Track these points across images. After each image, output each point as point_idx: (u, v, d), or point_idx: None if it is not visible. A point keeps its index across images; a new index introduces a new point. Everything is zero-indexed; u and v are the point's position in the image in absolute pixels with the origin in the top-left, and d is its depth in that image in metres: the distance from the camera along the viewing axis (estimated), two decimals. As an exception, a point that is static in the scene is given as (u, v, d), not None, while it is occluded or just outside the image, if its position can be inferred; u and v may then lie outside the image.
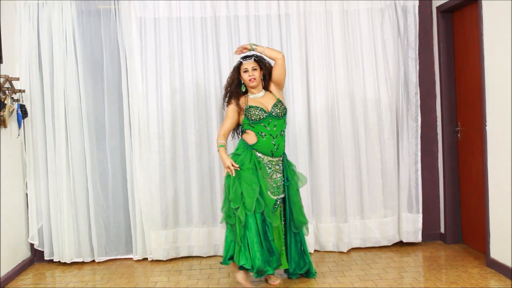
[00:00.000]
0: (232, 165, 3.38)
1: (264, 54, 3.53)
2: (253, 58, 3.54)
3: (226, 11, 4.34)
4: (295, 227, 3.57)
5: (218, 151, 3.48)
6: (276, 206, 3.51)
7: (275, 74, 3.54)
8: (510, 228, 3.49)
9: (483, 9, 3.71)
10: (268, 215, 3.39)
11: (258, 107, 3.46)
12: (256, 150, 3.47)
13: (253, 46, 3.53)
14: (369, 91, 4.39)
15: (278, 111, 3.48)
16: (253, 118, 3.45)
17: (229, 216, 3.43)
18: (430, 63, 4.57)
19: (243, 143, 3.51)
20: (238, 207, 3.35)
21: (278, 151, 3.49)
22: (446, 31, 4.44)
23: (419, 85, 4.46)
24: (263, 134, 3.46)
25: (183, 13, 4.32)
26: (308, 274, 3.70)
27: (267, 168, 3.47)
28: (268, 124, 3.46)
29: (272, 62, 3.63)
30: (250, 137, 3.50)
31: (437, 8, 4.47)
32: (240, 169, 3.39)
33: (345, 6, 4.38)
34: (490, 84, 3.68)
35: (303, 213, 3.63)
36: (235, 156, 3.47)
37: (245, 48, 3.55)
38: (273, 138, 3.46)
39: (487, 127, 3.74)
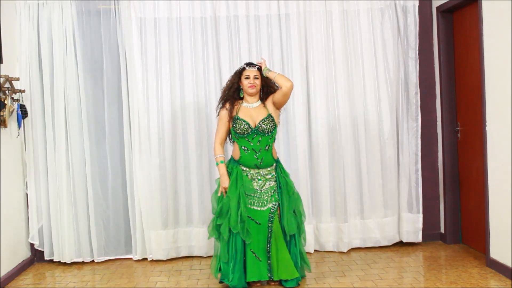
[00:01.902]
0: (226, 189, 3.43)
1: (274, 80, 3.47)
2: (256, 67, 3.54)
3: (226, 11, 4.34)
4: (286, 232, 3.49)
5: (217, 166, 3.50)
6: (272, 215, 3.45)
7: (277, 97, 3.49)
8: (510, 228, 3.49)
9: (483, 9, 3.71)
10: (242, 232, 3.38)
11: (244, 121, 3.44)
12: (242, 165, 3.48)
13: (267, 71, 3.49)
14: (369, 91, 4.39)
15: (265, 127, 3.44)
16: (237, 131, 3.46)
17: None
18: (430, 63, 4.57)
19: (231, 158, 3.56)
20: (221, 224, 3.40)
21: (263, 163, 3.47)
22: (446, 31, 4.44)
23: (419, 85, 4.46)
24: (245, 148, 3.46)
25: (183, 13, 4.32)
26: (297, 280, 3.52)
27: (257, 179, 3.47)
28: (252, 139, 3.45)
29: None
30: (235, 152, 3.54)
31: (437, 8, 4.47)
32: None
33: (345, 6, 4.38)
34: (490, 84, 3.68)
35: (297, 222, 3.50)
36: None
37: (260, 63, 3.54)
38: (256, 152, 3.45)
39: (487, 127, 3.74)
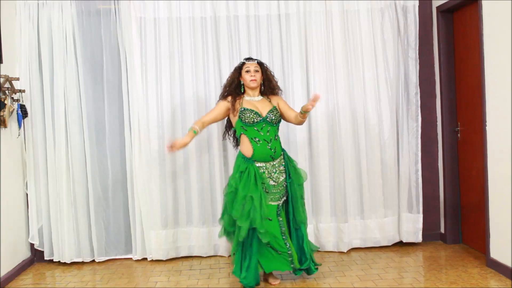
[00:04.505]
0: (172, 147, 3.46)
1: (304, 116, 3.41)
2: (256, 61, 3.58)
3: (226, 11, 4.33)
4: (295, 223, 3.58)
5: (187, 132, 3.49)
6: (280, 209, 3.51)
7: (285, 115, 3.57)
8: (510, 228, 3.49)
9: (483, 9, 3.71)
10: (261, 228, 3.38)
11: (253, 111, 3.47)
12: (257, 161, 3.45)
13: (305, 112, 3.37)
14: (369, 91, 4.39)
15: (273, 117, 3.49)
16: (246, 120, 3.45)
17: (229, 234, 3.51)
18: (430, 63, 4.57)
19: (242, 157, 3.48)
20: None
21: (277, 153, 3.50)
22: (446, 31, 4.44)
23: (419, 85, 4.46)
24: (256, 139, 3.45)
25: (183, 13, 4.32)
26: (308, 271, 3.63)
27: (273, 173, 3.47)
28: (261, 128, 3.46)
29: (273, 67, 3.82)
30: (246, 147, 3.48)
31: (437, 8, 4.47)
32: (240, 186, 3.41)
33: (345, 6, 4.38)
34: (490, 84, 3.68)
35: (304, 210, 3.61)
36: (237, 173, 3.43)
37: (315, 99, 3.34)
38: (268, 143, 3.46)
39: (487, 127, 3.74)
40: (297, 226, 3.59)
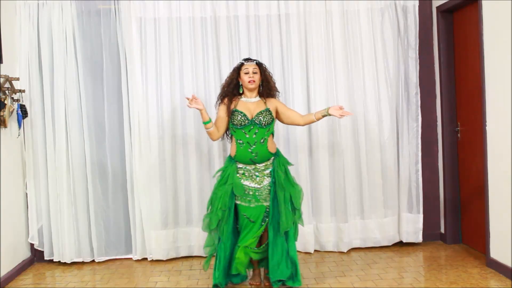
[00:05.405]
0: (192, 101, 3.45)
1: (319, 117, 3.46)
2: (255, 61, 3.54)
3: (226, 11, 4.34)
4: (278, 229, 3.40)
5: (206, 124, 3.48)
6: (267, 214, 3.40)
7: (284, 116, 3.55)
8: (510, 228, 3.49)
9: (483, 9, 3.71)
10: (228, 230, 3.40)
11: (241, 113, 3.42)
12: (238, 161, 3.44)
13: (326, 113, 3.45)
14: (369, 91, 4.39)
15: (262, 119, 3.41)
16: (234, 122, 3.43)
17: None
18: (430, 63, 4.57)
19: (229, 156, 3.54)
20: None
21: (258, 158, 3.40)
22: (446, 31, 4.45)
23: (419, 85, 4.46)
24: (240, 142, 3.42)
25: (183, 13, 4.32)
26: (294, 281, 3.42)
27: (255, 176, 3.41)
28: (249, 131, 3.41)
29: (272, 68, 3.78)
30: (232, 147, 3.51)
31: (437, 8, 4.48)
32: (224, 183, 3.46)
33: (345, 6, 4.38)
34: (490, 84, 3.68)
35: (288, 216, 3.37)
36: (219, 171, 3.55)
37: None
38: (250, 146, 3.39)
39: (487, 127, 3.74)
40: (280, 233, 3.37)
